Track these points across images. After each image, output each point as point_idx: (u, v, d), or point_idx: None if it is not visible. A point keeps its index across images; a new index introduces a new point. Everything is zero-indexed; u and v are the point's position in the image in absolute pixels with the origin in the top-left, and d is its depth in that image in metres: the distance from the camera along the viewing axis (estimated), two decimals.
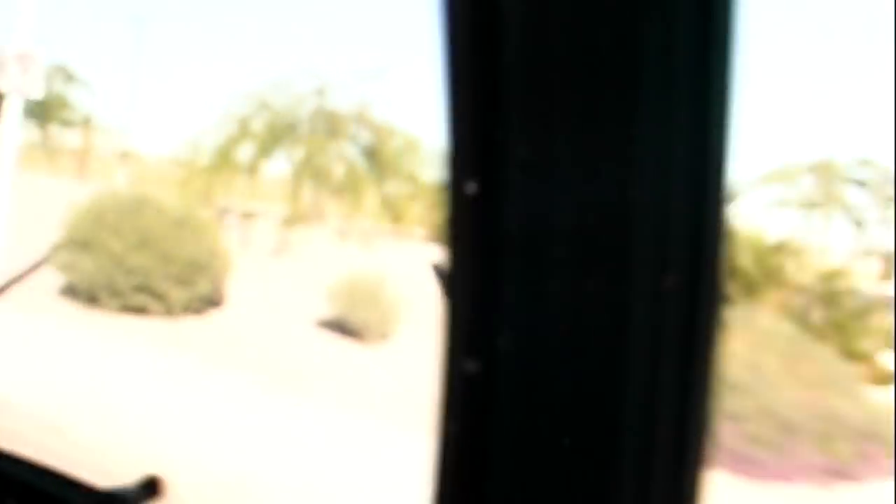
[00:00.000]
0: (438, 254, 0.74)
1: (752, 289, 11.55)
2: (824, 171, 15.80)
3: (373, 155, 16.45)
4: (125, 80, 44.08)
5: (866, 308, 11.55)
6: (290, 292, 11.96)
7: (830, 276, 11.93)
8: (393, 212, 16.59)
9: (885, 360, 10.27)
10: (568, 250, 0.67)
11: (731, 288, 11.47)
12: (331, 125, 16.91)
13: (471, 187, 0.69)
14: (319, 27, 41.00)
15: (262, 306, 10.92)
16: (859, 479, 6.86)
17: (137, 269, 9.26)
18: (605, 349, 0.68)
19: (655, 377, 0.68)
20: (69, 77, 26.37)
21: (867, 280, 13.67)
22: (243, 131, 16.39)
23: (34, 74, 9.38)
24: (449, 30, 0.68)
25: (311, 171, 16.94)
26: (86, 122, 27.35)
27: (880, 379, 9.42)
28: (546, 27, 0.66)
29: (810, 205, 15.43)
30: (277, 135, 16.12)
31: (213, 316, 10.04)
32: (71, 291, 9.66)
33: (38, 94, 9.55)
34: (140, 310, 9.39)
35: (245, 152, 16.10)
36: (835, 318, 11.14)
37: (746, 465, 6.61)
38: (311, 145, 16.94)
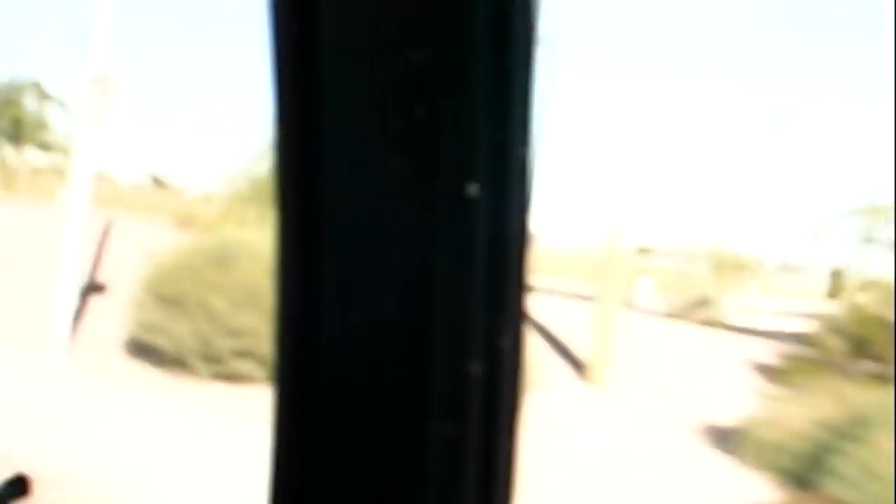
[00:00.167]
0: None
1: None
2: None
3: None
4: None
5: None
6: None
7: None
8: None
9: None
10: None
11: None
12: None
13: None
14: None
15: None
16: None
17: (242, 331, 7.75)
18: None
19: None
20: (43, 95, 24.29)
21: None
22: None
23: (111, 98, 7.85)
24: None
25: None
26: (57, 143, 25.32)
27: None
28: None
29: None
30: None
31: None
32: (146, 353, 8.13)
33: (114, 117, 8.03)
34: (240, 377, 7.88)
35: None
36: None
37: None
38: None
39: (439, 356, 0.71)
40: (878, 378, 8.65)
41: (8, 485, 1.28)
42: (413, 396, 0.71)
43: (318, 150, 0.71)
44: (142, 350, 8.26)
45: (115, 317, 8.79)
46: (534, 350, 8.97)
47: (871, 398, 6.85)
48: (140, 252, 8.79)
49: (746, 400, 8.83)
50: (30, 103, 23.43)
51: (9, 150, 22.67)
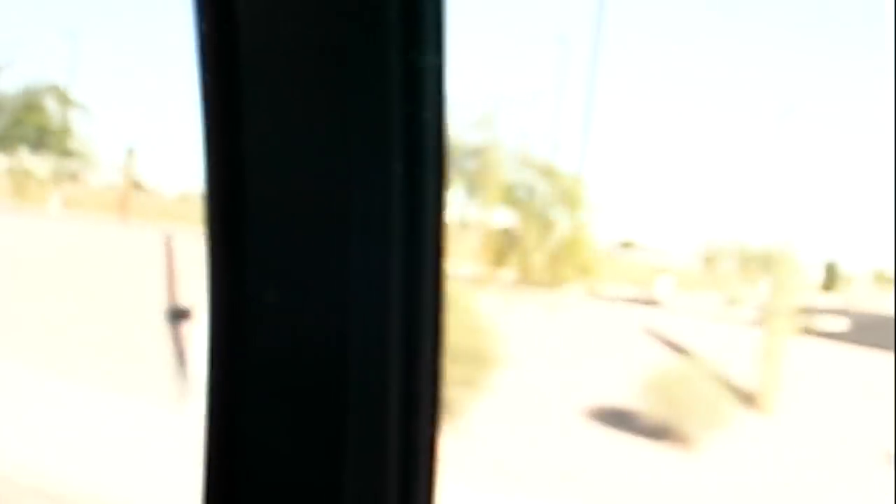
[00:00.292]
0: None
1: None
2: None
3: None
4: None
5: None
6: None
7: None
8: None
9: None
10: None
11: None
12: None
13: None
14: None
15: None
16: None
17: None
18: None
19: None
20: (65, 100, 23.07)
21: None
22: None
23: None
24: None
25: None
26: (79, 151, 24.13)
27: None
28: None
29: None
30: None
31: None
32: None
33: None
34: None
35: None
36: None
37: None
38: None
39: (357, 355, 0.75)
40: None
41: None
42: (334, 396, 0.76)
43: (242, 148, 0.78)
44: None
45: None
46: (688, 380, 8.17)
47: None
48: None
49: None
50: (53, 108, 22.27)
51: (34, 159, 21.52)
